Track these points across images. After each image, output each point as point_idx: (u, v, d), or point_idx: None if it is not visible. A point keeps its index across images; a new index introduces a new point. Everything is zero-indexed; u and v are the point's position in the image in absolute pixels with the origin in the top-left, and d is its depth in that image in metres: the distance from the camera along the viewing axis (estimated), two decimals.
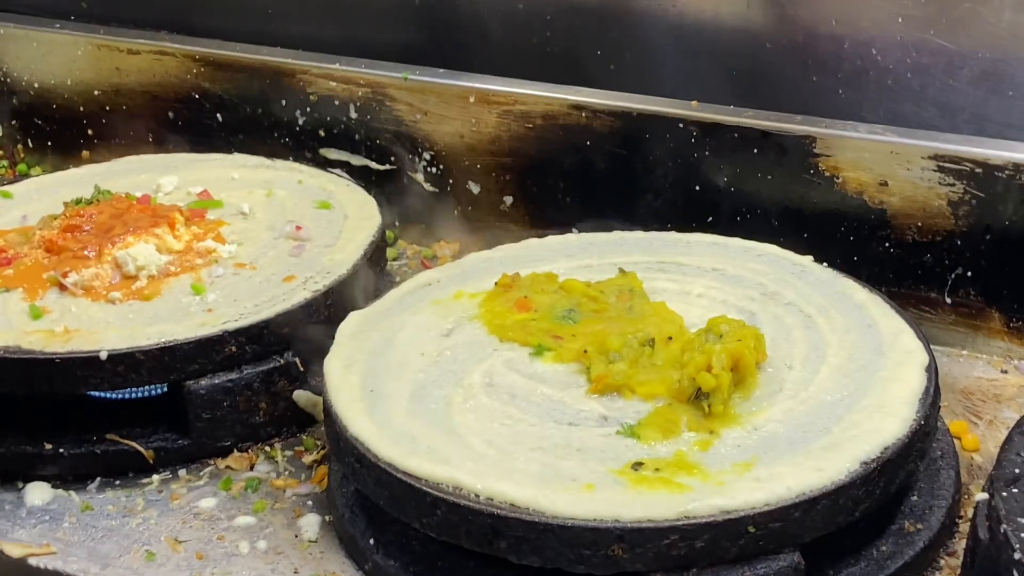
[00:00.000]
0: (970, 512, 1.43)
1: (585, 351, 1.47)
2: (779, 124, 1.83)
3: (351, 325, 1.60)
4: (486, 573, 1.34)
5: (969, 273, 1.75)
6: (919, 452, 1.36)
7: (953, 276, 1.76)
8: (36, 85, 2.43)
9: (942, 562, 1.38)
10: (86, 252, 1.72)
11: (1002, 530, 1.19)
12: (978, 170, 1.70)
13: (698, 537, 1.22)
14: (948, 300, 1.77)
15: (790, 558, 1.25)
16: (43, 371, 1.55)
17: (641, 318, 1.53)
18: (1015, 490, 1.25)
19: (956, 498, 1.43)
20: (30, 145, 2.50)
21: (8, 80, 2.45)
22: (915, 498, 1.42)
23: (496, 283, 1.65)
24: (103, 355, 1.54)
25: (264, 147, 2.22)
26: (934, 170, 1.73)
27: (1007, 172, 1.68)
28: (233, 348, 1.60)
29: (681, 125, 1.89)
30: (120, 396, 1.66)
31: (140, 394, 1.65)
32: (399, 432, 1.39)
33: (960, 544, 1.39)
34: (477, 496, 1.28)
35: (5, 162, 2.50)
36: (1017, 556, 1.16)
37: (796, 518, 1.24)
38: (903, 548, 1.35)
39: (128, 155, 2.20)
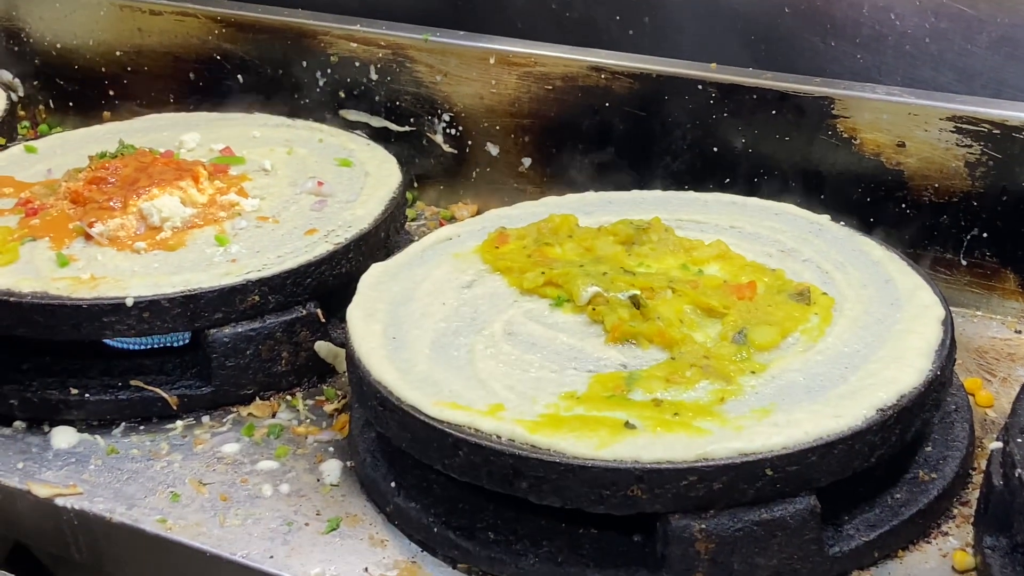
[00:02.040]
0: (983, 464, 1.44)
1: (593, 308, 1.49)
2: (797, 85, 1.84)
3: (373, 276, 1.62)
4: (506, 515, 1.37)
5: (985, 234, 1.76)
6: (934, 402, 1.38)
7: (969, 237, 1.77)
8: (58, 46, 2.45)
9: (955, 511, 1.40)
10: (111, 203, 1.75)
11: (1017, 475, 1.21)
12: (996, 131, 1.71)
13: (716, 479, 1.24)
14: (963, 261, 1.79)
15: (806, 501, 1.26)
16: (70, 317, 1.57)
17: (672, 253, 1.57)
18: None
19: (970, 450, 1.45)
20: (52, 106, 2.53)
21: (30, 41, 2.48)
22: (929, 449, 1.44)
23: (488, 236, 1.68)
24: (129, 301, 1.56)
25: (284, 108, 2.23)
26: (952, 131, 1.74)
27: None
28: (256, 298, 1.62)
29: (700, 87, 1.91)
30: (145, 345, 1.68)
31: (164, 342, 1.67)
32: (422, 377, 1.41)
33: (973, 495, 1.41)
34: (499, 437, 1.30)
35: (27, 122, 2.52)
36: None
37: (813, 462, 1.26)
38: (917, 496, 1.37)
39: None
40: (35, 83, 2.51)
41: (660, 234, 1.64)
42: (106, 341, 1.69)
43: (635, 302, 1.47)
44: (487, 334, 1.49)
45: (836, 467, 1.28)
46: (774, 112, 1.86)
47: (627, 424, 1.30)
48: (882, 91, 1.80)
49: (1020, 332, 1.74)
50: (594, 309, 1.49)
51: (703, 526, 1.25)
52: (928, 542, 1.36)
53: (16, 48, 2.52)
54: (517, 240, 1.67)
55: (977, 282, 1.78)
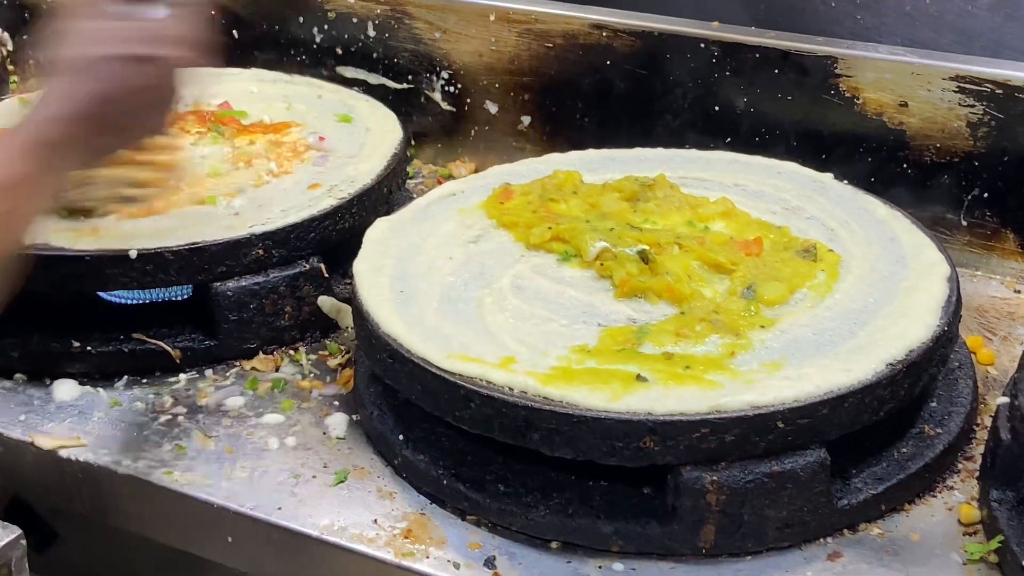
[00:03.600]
0: (987, 420, 1.46)
1: (601, 263, 1.49)
2: (800, 44, 1.84)
3: (378, 231, 1.62)
4: (515, 467, 1.37)
5: (986, 195, 1.77)
6: (941, 357, 1.39)
7: (970, 197, 1.78)
8: (49, 0, 2.43)
9: (960, 465, 1.41)
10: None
11: None
12: (999, 91, 1.71)
13: (728, 431, 1.25)
14: (964, 221, 1.80)
15: (816, 454, 1.27)
16: (72, 268, 1.56)
17: (678, 210, 1.57)
18: None
19: (974, 406, 1.46)
20: (42, 61, 2.49)
21: None
22: (934, 404, 1.45)
23: (493, 192, 1.68)
24: (132, 253, 1.55)
25: (280, 65, 2.22)
26: (954, 91, 1.74)
27: None
28: (260, 251, 1.61)
29: (702, 45, 1.91)
30: (148, 299, 1.67)
31: (167, 296, 1.66)
32: (431, 330, 1.40)
33: (977, 449, 1.42)
34: (511, 389, 1.30)
35: (15, 78, 2.49)
36: None
37: (823, 415, 1.27)
38: (923, 450, 1.38)
39: None
40: (25, 38, 2.48)
41: (665, 191, 1.64)
42: (106, 296, 1.69)
43: (643, 257, 1.47)
44: (495, 288, 1.48)
45: (846, 420, 1.29)
46: (776, 71, 1.86)
47: (639, 377, 1.30)
48: (885, 50, 1.80)
49: (1020, 292, 1.75)
50: (602, 264, 1.49)
51: (714, 478, 1.25)
52: (934, 496, 1.37)
53: (4, 2, 2.48)
54: (522, 196, 1.67)
55: (977, 242, 1.80)
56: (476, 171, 2.10)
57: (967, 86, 1.73)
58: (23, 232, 1.26)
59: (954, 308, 1.42)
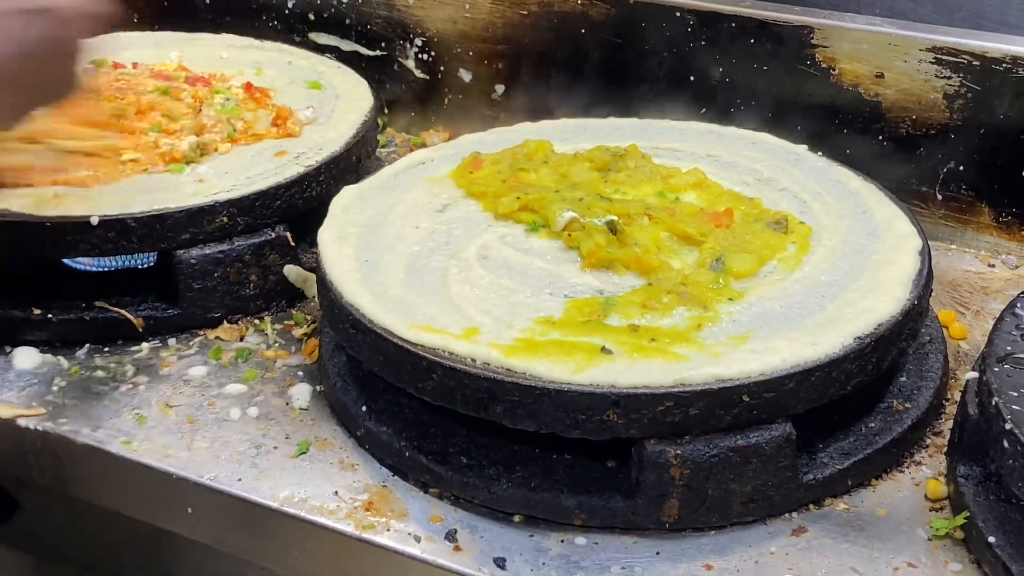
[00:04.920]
0: (957, 396, 1.44)
1: (569, 234, 1.47)
2: (776, 14, 1.82)
3: (345, 199, 1.59)
4: (478, 440, 1.35)
5: (961, 168, 1.75)
6: (911, 331, 1.37)
7: (945, 171, 1.76)
8: None
9: (928, 441, 1.40)
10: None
11: (993, 403, 1.21)
12: (975, 63, 1.69)
13: (693, 404, 1.23)
14: (939, 195, 1.78)
15: (782, 428, 1.26)
16: (33, 235, 1.53)
17: (648, 180, 1.55)
18: (1006, 366, 1.26)
19: (943, 380, 1.45)
20: None
21: None
22: (904, 379, 1.43)
23: (462, 161, 1.65)
24: (94, 220, 1.53)
25: (252, 30, 2.18)
26: (931, 62, 1.72)
27: (1004, 65, 1.68)
28: (224, 219, 1.58)
29: (678, 14, 1.88)
30: (110, 267, 1.65)
31: (130, 264, 1.64)
32: (395, 301, 1.38)
33: (946, 424, 1.41)
34: (474, 361, 1.28)
35: None
36: (1008, 427, 1.17)
37: (790, 388, 1.25)
38: (891, 425, 1.37)
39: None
40: None
41: (637, 161, 1.62)
42: (69, 263, 1.66)
43: (612, 228, 1.45)
44: (462, 258, 1.46)
45: (813, 394, 1.27)
46: (752, 41, 1.84)
47: (603, 349, 1.28)
48: (862, 21, 1.78)
49: (993, 266, 1.74)
50: (570, 235, 1.47)
51: (678, 452, 1.24)
52: (901, 471, 1.36)
53: None
54: (492, 165, 1.64)
55: (952, 216, 1.78)
56: (450, 140, 2.07)
57: (944, 57, 1.71)
58: None
59: (925, 281, 1.40)
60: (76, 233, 1.53)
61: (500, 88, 2.06)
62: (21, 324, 1.57)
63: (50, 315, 1.57)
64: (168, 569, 1.57)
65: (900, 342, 1.35)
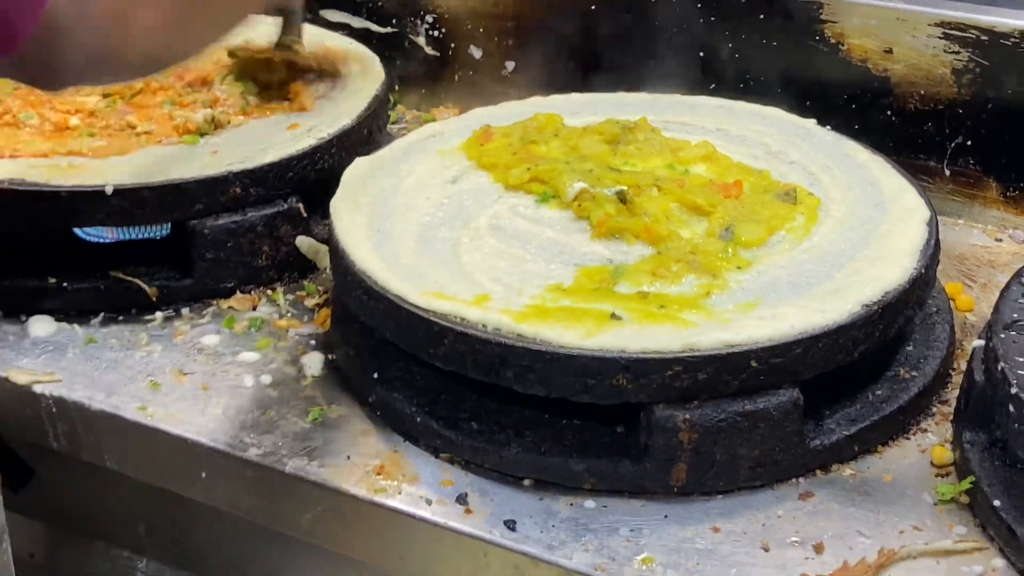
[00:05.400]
0: (963, 366, 1.45)
1: (579, 204, 1.48)
2: None
3: (357, 170, 1.60)
4: (489, 405, 1.37)
5: (969, 142, 1.76)
6: (917, 300, 1.38)
7: (953, 145, 1.77)
8: None
9: (934, 409, 1.41)
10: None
11: (999, 369, 1.22)
12: (984, 38, 1.70)
13: (701, 369, 1.24)
14: (947, 170, 1.79)
15: (790, 394, 1.27)
16: (48, 205, 1.55)
17: (658, 153, 1.56)
18: (1013, 333, 1.28)
19: (950, 350, 1.46)
20: None
21: None
22: (911, 348, 1.44)
23: (473, 134, 1.67)
24: (109, 190, 1.54)
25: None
26: (940, 37, 1.73)
27: (1013, 40, 1.68)
28: (238, 190, 1.60)
29: None
30: (125, 237, 1.66)
31: (144, 234, 1.66)
32: (407, 269, 1.40)
33: (952, 394, 1.42)
34: (484, 327, 1.30)
35: None
36: (1014, 391, 1.19)
37: (797, 355, 1.27)
38: (898, 393, 1.38)
39: None
40: None
41: (646, 134, 1.63)
42: (80, 233, 1.68)
43: (621, 198, 1.46)
44: (472, 228, 1.48)
45: (820, 360, 1.28)
46: (762, 16, 1.85)
47: (613, 315, 1.29)
48: None
49: (1000, 240, 1.75)
50: (580, 205, 1.48)
51: (687, 416, 1.25)
52: (907, 438, 1.37)
53: None
54: (502, 138, 1.66)
55: (959, 190, 1.79)
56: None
57: (952, 32, 1.72)
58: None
59: (932, 252, 1.41)
60: (91, 202, 1.55)
61: (510, 65, 2.07)
62: (36, 293, 1.58)
63: (65, 284, 1.58)
64: (182, 535, 1.59)
65: (907, 310, 1.36)
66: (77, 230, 1.65)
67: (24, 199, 1.55)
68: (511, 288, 1.36)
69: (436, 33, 2.11)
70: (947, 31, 1.72)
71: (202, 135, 1.68)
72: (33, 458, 1.62)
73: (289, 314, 1.61)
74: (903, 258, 1.39)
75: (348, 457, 1.36)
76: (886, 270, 1.36)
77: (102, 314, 1.60)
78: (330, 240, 1.49)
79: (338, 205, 1.52)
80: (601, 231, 1.44)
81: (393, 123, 2.10)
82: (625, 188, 1.47)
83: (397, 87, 2.16)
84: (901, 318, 1.35)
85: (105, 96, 1.75)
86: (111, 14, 1.12)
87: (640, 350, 1.25)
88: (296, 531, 1.39)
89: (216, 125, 1.71)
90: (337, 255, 1.45)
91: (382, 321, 1.37)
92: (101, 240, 1.69)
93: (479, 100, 2.07)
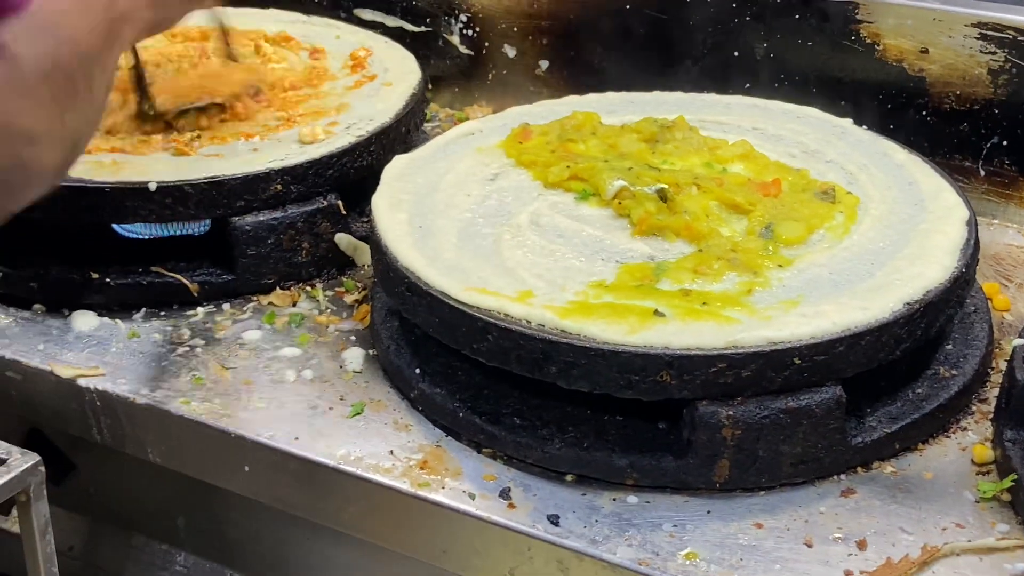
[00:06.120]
0: (1002, 365, 1.46)
1: (619, 202, 1.49)
2: None
3: (397, 167, 1.62)
4: (530, 401, 1.38)
5: (1005, 142, 1.77)
6: (958, 299, 1.39)
7: (988, 145, 1.78)
8: None
9: (974, 407, 1.42)
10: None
11: None
12: (1021, 38, 1.70)
13: (745, 366, 1.25)
14: (982, 170, 1.79)
15: (832, 391, 1.28)
16: (92, 200, 1.57)
17: (698, 151, 1.56)
18: None
19: (989, 349, 1.46)
20: None
21: None
22: (950, 347, 1.45)
23: (511, 132, 1.68)
24: (152, 186, 1.56)
25: (298, 6, 2.21)
26: (976, 37, 1.73)
27: None
28: (278, 187, 1.61)
29: None
30: (165, 234, 1.68)
31: (186, 231, 1.67)
32: (449, 265, 1.41)
33: (992, 392, 1.43)
34: (528, 322, 1.31)
35: None
36: None
37: (840, 352, 1.27)
38: (938, 391, 1.39)
39: None
40: None
41: (684, 132, 1.64)
42: (122, 231, 1.69)
43: (662, 195, 1.47)
44: (513, 225, 1.49)
45: (862, 358, 1.29)
46: (797, 17, 1.85)
47: (656, 312, 1.30)
48: None
49: None
50: (620, 203, 1.49)
51: (730, 413, 1.26)
52: (948, 436, 1.37)
53: None
54: (540, 136, 1.67)
55: (994, 190, 1.79)
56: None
57: (989, 33, 1.73)
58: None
59: (972, 251, 1.42)
60: (134, 199, 1.56)
61: (544, 63, 2.08)
62: (80, 288, 1.60)
63: (108, 279, 1.60)
64: (220, 528, 1.60)
65: (948, 309, 1.37)
66: (116, 226, 1.67)
67: (68, 195, 1.56)
68: (554, 284, 1.37)
69: (470, 32, 2.12)
70: (984, 31, 1.73)
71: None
72: (72, 451, 1.64)
73: (329, 310, 1.62)
74: (943, 257, 1.39)
75: (391, 451, 1.37)
76: (927, 268, 1.37)
77: (144, 309, 1.61)
78: (371, 237, 1.50)
79: (379, 202, 1.53)
80: (642, 229, 1.45)
81: (427, 121, 2.11)
82: (665, 186, 1.48)
83: (430, 85, 2.17)
84: (942, 316, 1.36)
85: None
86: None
87: (684, 347, 1.26)
88: (338, 525, 1.41)
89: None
90: (379, 251, 1.46)
91: (425, 317, 1.38)
92: (140, 236, 1.70)
93: (512, 99, 2.09)
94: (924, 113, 1.80)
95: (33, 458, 1.35)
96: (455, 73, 2.16)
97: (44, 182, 1.15)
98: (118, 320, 1.59)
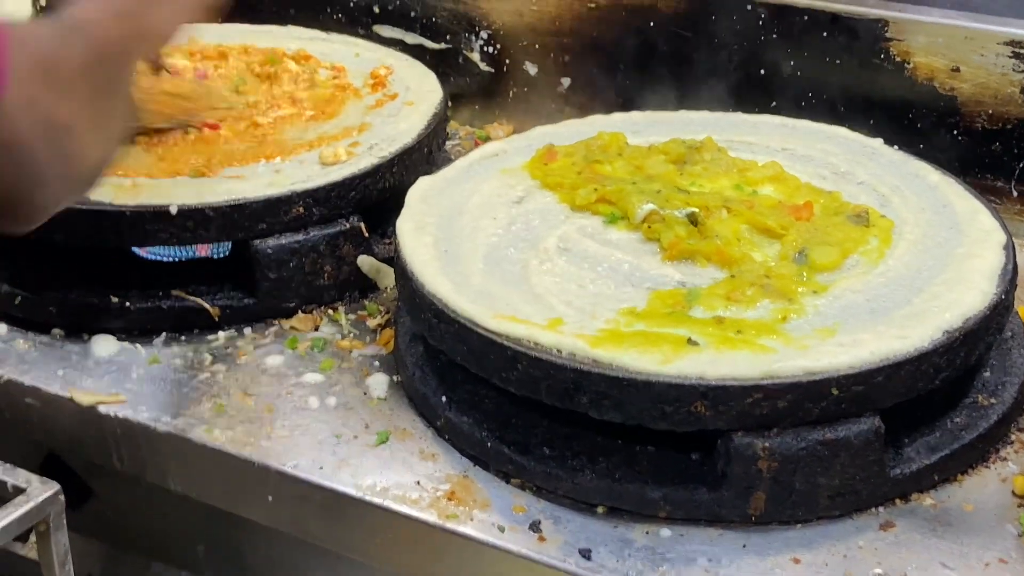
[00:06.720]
0: None
1: (649, 226, 1.47)
2: (850, 7, 1.81)
3: (421, 189, 1.59)
4: (560, 431, 1.35)
5: None
6: (998, 326, 1.36)
7: (1021, 165, 1.75)
8: None
9: (1013, 436, 1.39)
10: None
11: None
12: None
13: (781, 397, 1.22)
14: (1014, 191, 1.77)
15: (871, 422, 1.25)
16: (112, 223, 1.54)
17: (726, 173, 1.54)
18: None
19: None
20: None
21: None
22: (988, 374, 1.42)
23: (536, 153, 1.65)
24: (173, 209, 1.53)
25: (316, 23, 2.18)
26: (1009, 56, 1.71)
27: None
28: (300, 209, 1.59)
29: (749, 7, 1.87)
30: (185, 257, 1.66)
31: (207, 254, 1.65)
32: (477, 291, 1.38)
33: None
34: (559, 351, 1.28)
35: None
36: None
37: (879, 382, 1.24)
38: (977, 420, 1.36)
39: None
40: None
41: (713, 154, 1.61)
42: (142, 254, 1.67)
43: (692, 219, 1.45)
44: (541, 249, 1.46)
45: (901, 388, 1.26)
46: (825, 34, 1.83)
47: (690, 341, 1.27)
48: (938, 14, 1.76)
49: None
50: (649, 227, 1.46)
51: (766, 444, 1.23)
52: (987, 467, 1.34)
53: None
54: (566, 157, 1.64)
55: None
56: (514, 133, 2.07)
57: (1022, 51, 1.70)
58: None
59: (1011, 276, 1.39)
60: (155, 222, 1.54)
61: (566, 81, 2.06)
62: (99, 312, 1.58)
63: (128, 304, 1.57)
64: (241, 556, 1.57)
65: (987, 336, 1.34)
66: (136, 249, 1.65)
67: (88, 218, 1.54)
68: (584, 311, 1.34)
69: (490, 49, 2.10)
70: (1016, 49, 1.70)
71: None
72: (90, 477, 1.61)
73: (351, 335, 1.59)
74: (981, 282, 1.36)
75: (418, 482, 1.34)
76: (965, 295, 1.34)
77: (164, 333, 1.59)
78: (396, 261, 1.48)
79: (404, 226, 1.51)
80: (672, 254, 1.42)
81: (447, 140, 2.08)
82: (696, 210, 1.46)
83: (450, 103, 2.14)
84: (982, 344, 1.33)
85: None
86: None
87: (719, 377, 1.23)
88: (364, 556, 1.38)
89: None
90: (405, 277, 1.44)
91: (452, 344, 1.36)
92: (158, 259, 1.68)
93: (533, 117, 2.07)
94: (955, 132, 1.78)
95: (53, 487, 1.32)
96: (475, 91, 2.14)
97: (89, 175, 1.21)
98: (138, 345, 1.57)
